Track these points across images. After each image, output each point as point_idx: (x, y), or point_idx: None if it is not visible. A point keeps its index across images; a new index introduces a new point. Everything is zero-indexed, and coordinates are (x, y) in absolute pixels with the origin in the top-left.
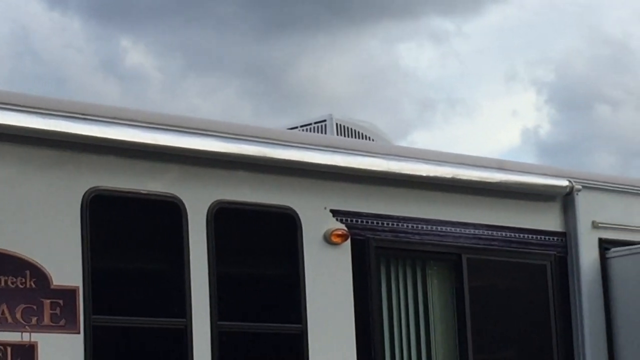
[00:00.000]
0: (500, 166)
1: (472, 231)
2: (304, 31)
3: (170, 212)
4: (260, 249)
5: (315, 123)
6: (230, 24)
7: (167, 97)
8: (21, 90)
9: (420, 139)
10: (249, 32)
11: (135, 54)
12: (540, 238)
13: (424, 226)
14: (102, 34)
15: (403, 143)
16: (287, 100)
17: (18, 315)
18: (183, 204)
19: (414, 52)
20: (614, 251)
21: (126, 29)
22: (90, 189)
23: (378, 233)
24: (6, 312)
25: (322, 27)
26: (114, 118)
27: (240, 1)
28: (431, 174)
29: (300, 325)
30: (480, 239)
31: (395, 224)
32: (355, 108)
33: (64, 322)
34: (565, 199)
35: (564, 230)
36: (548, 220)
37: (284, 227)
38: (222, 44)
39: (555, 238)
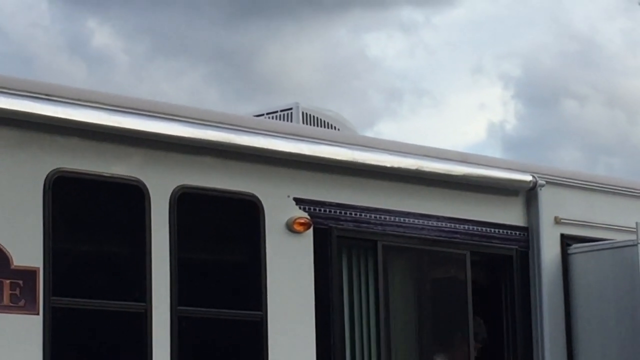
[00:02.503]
0: (464, 159)
1: (434, 223)
2: (272, 18)
3: (133, 195)
4: (222, 235)
5: (282, 111)
6: (199, 8)
7: (133, 80)
8: None
9: (386, 130)
10: (217, 17)
11: (102, 35)
12: (503, 232)
13: (387, 217)
14: (68, 14)
15: (369, 133)
16: (254, 87)
17: None
18: (146, 188)
19: (382, 42)
20: (575, 247)
21: (93, 9)
22: (53, 170)
23: (341, 223)
24: None
25: (291, 14)
26: (79, 100)
27: None
28: (395, 165)
29: (260, 313)
30: (442, 231)
31: (358, 214)
32: (322, 97)
33: (23, 302)
34: (528, 194)
35: (526, 225)
36: (510, 214)
37: (246, 214)
38: (190, 28)
39: (518, 233)
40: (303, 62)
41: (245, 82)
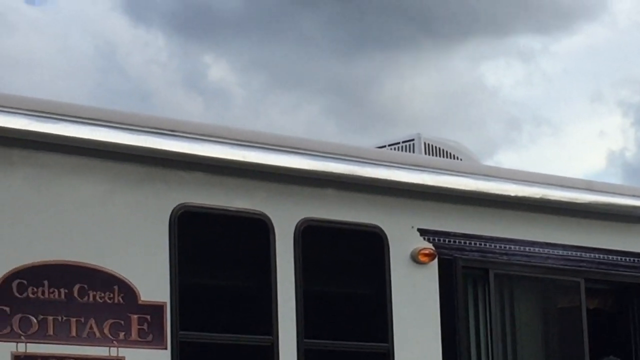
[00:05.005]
0: (588, 187)
1: (560, 252)
2: (388, 48)
3: (257, 229)
4: (347, 268)
5: (404, 142)
6: (314, 41)
7: (250, 113)
8: (106, 105)
9: (505, 159)
10: (332, 49)
11: (218, 70)
12: (629, 260)
13: (512, 246)
14: (185, 50)
15: (489, 163)
16: (371, 118)
17: (106, 330)
18: (270, 222)
19: (500, 71)
20: None
21: (209, 45)
22: (178, 205)
23: (465, 253)
24: (94, 326)
25: (408, 44)
26: (203, 135)
27: (324, 18)
28: (519, 194)
29: (386, 344)
30: (568, 259)
31: (482, 243)
32: (440, 127)
33: (151, 337)
34: None
35: None
36: (636, 242)
37: (371, 245)
38: (305, 61)
39: None
40: (420, 92)
41: (362, 113)
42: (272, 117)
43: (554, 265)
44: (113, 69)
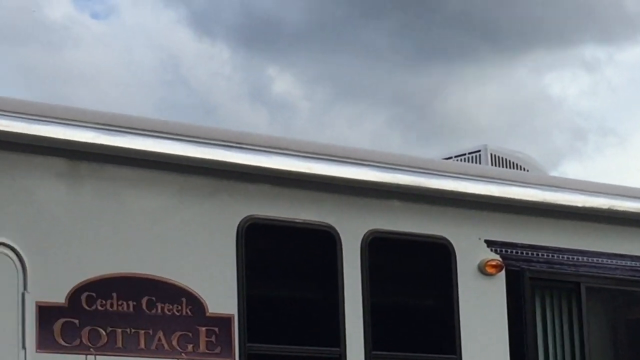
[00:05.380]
0: None
1: (628, 263)
2: (453, 60)
3: (324, 241)
4: (414, 279)
5: (470, 153)
6: (379, 52)
7: (314, 125)
8: (171, 118)
9: (571, 170)
10: (397, 61)
11: (283, 82)
12: None
13: (579, 257)
14: (249, 63)
15: (554, 173)
16: (435, 129)
17: (174, 343)
18: (337, 233)
19: (565, 81)
20: None
21: (273, 57)
22: (245, 217)
23: (533, 264)
24: (163, 339)
25: (472, 55)
26: (269, 147)
27: (388, 30)
28: (587, 205)
29: (454, 356)
30: (637, 271)
31: (550, 255)
32: (504, 138)
33: (219, 349)
34: None
35: None
36: None
37: (437, 257)
38: (370, 73)
39: None
40: (484, 103)
41: (426, 125)
42: (336, 128)
43: (622, 276)
44: (177, 82)
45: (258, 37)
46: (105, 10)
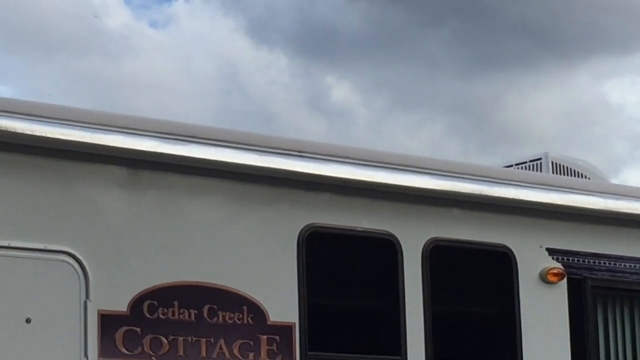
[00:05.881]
0: None
1: None
2: (510, 67)
3: (385, 249)
4: (474, 287)
5: (531, 161)
6: (437, 60)
7: (373, 133)
8: (230, 126)
9: (631, 177)
10: (455, 69)
11: (341, 90)
12: None
13: None
14: (307, 71)
15: (614, 181)
16: (494, 137)
17: (235, 351)
18: (398, 241)
19: (625, 88)
20: None
21: (331, 65)
22: (306, 225)
23: (595, 272)
24: (224, 347)
25: (530, 63)
26: (329, 155)
27: (446, 37)
28: None
29: None
30: None
31: (612, 263)
32: (563, 145)
33: (280, 358)
34: None
35: None
36: None
37: (499, 265)
38: (428, 80)
39: None
40: (543, 111)
41: (485, 132)
42: (394, 136)
43: None
44: (236, 91)
45: (316, 45)
46: (163, 19)
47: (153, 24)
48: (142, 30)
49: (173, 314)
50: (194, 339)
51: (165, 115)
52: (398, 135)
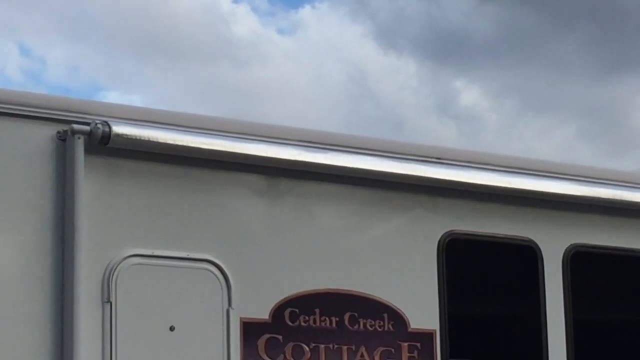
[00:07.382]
0: None
1: None
2: None
3: (526, 256)
4: (617, 294)
5: None
6: (569, 63)
7: (503, 138)
8: (359, 132)
9: None
10: (586, 72)
11: (470, 95)
12: None
13: None
14: (436, 76)
15: None
16: (626, 141)
17: (377, 358)
18: (539, 248)
19: None
20: None
21: (460, 70)
22: (446, 232)
23: None
24: (365, 354)
25: None
26: (469, 162)
27: (578, 41)
28: None
29: None
30: None
31: None
32: None
33: None
34: None
35: None
36: None
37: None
38: (559, 84)
39: None
40: None
41: (617, 137)
42: (524, 141)
43: None
44: (365, 96)
45: (445, 49)
46: (290, 26)
47: (280, 31)
48: (270, 37)
49: (314, 322)
50: (336, 346)
51: (295, 123)
52: (529, 139)
